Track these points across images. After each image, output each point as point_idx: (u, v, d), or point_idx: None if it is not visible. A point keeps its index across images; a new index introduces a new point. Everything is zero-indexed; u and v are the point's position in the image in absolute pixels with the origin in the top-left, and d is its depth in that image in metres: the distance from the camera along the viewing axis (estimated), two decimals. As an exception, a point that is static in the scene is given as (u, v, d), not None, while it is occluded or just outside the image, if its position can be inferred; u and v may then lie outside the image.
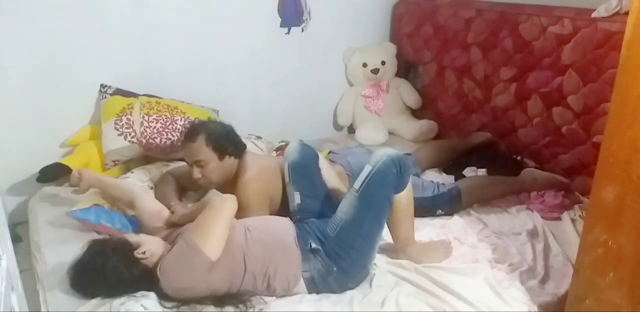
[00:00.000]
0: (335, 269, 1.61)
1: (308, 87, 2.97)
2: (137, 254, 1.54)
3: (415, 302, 1.57)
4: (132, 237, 1.61)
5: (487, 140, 2.66)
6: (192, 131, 1.92)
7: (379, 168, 1.64)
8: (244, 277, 1.57)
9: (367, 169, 1.66)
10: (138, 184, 2.08)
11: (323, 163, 2.01)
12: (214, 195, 1.68)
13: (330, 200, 1.88)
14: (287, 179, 1.91)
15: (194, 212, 1.67)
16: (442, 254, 1.81)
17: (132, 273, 1.52)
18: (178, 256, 1.52)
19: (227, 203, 1.61)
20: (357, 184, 1.66)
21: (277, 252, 1.62)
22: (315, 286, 1.62)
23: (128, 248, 1.55)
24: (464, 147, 2.64)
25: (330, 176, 2.01)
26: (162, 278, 1.52)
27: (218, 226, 1.54)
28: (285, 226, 1.73)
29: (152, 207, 1.82)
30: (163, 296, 1.54)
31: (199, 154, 1.88)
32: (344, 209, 1.67)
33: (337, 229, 1.65)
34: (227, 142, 1.93)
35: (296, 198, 1.86)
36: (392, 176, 1.64)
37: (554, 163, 2.40)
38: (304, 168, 1.92)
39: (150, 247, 1.56)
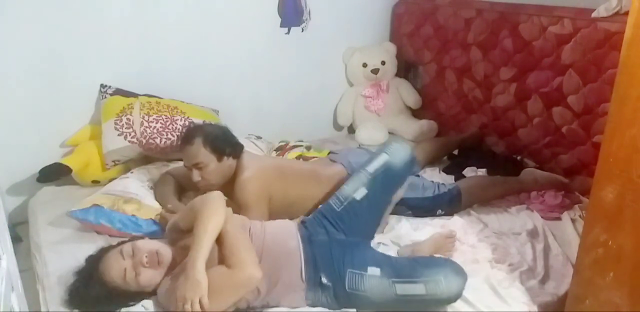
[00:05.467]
0: (341, 308, 1.57)
1: (308, 87, 2.97)
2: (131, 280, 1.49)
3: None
4: (142, 248, 1.53)
5: (472, 135, 2.72)
6: (189, 135, 1.92)
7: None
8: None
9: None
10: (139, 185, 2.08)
11: (406, 185, 1.89)
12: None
13: (373, 227, 1.82)
14: (370, 169, 1.78)
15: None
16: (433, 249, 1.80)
17: (122, 292, 1.51)
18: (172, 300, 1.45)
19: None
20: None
21: (283, 287, 1.54)
22: (315, 307, 1.58)
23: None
24: (455, 143, 2.69)
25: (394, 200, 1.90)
26: (159, 300, 1.51)
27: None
28: (293, 245, 1.62)
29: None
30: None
31: (198, 156, 1.88)
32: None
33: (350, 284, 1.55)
34: (224, 143, 1.93)
35: (359, 193, 1.74)
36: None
37: (554, 163, 2.40)
38: (394, 178, 1.82)
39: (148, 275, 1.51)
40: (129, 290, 1.50)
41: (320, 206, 1.84)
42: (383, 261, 1.62)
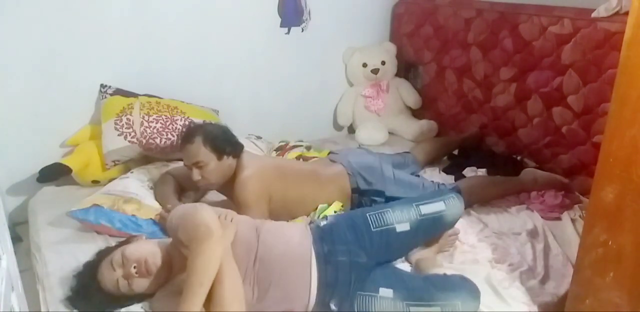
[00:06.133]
0: None
1: (308, 87, 2.97)
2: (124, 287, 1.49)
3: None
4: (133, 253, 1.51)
5: (472, 135, 2.72)
6: (189, 134, 1.92)
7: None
8: None
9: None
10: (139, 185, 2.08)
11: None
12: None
13: (388, 259, 1.72)
14: (423, 210, 1.71)
15: None
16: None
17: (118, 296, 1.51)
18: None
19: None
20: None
21: (285, 302, 1.50)
22: None
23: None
24: (455, 143, 2.69)
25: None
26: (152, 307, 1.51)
27: None
28: (304, 261, 1.52)
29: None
30: None
31: (198, 155, 1.88)
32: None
33: None
34: (224, 142, 1.93)
35: (401, 226, 1.66)
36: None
37: (554, 163, 2.40)
38: (437, 227, 1.77)
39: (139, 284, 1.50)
40: (126, 294, 1.51)
41: (348, 213, 1.77)
42: (395, 281, 1.55)
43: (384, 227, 1.65)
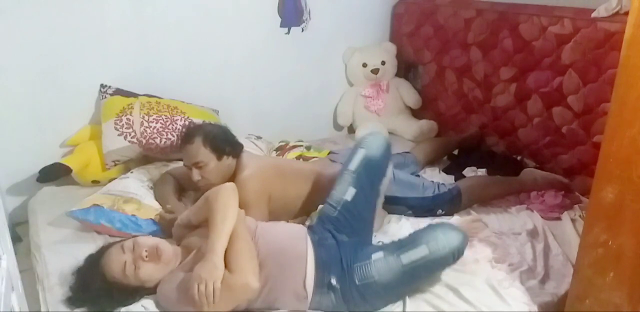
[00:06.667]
0: (346, 310, 1.56)
1: (308, 87, 2.96)
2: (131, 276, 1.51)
3: (415, 301, 1.58)
4: (146, 242, 1.57)
5: (472, 135, 2.72)
6: (189, 134, 1.93)
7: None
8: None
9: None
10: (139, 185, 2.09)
11: (389, 173, 1.85)
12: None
13: (370, 223, 1.80)
14: (351, 167, 1.77)
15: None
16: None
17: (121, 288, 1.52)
18: (175, 303, 1.47)
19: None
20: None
21: (282, 295, 1.54)
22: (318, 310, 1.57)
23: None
24: (455, 143, 2.69)
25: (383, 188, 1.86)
26: (158, 299, 1.52)
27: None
28: (301, 249, 1.60)
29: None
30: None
31: (198, 155, 1.88)
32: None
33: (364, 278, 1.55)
34: (224, 142, 1.94)
35: (349, 193, 1.73)
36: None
37: (554, 163, 2.40)
38: (376, 169, 1.80)
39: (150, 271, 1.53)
40: (129, 285, 1.51)
41: (318, 214, 1.83)
42: (384, 246, 1.66)
43: (339, 207, 1.72)
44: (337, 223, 1.71)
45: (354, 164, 1.77)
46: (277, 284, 1.53)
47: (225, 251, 1.48)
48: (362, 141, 1.84)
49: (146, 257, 1.51)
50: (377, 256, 1.58)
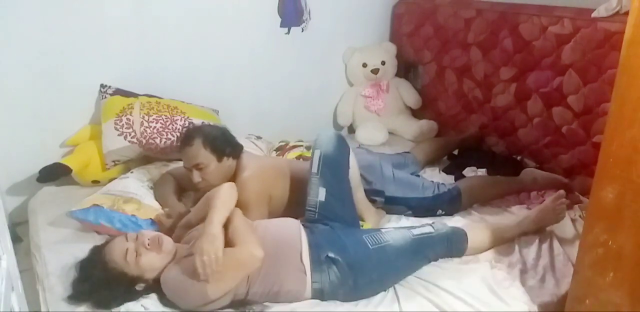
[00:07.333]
0: (351, 283, 1.58)
1: (308, 87, 2.96)
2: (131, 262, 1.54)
3: (415, 301, 1.58)
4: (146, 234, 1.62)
5: (472, 135, 2.72)
6: (189, 136, 1.93)
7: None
8: (247, 297, 1.56)
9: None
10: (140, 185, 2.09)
11: (353, 162, 1.94)
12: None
13: (354, 205, 1.87)
14: (314, 170, 1.81)
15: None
16: None
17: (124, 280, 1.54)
18: (181, 283, 1.50)
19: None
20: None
21: (283, 269, 1.58)
22: (322, 296, 1.59)
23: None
24: (455, 143, 2.70)
25: (354, 177, 1.94)
26: (163, 289, 1.54)
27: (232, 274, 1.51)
28: (294, 233, 1.68)
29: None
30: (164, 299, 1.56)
31: (198, 157, 1.88)
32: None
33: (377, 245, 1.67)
34: (224, 143, 1.94)
35: (321, 194, 1.78)
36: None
37: (554, 163, 2.40)
38: (336, 163, 1.84)
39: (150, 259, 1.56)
40: (128, 273, 1.53)
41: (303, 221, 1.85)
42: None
43: (317, 209, 1.78)
44: (321, 224, 1.77)
45: (315, 166, 1.82)
46: (274, 264, 1.57)
47: (226, 230, 1.55)
48: (315, 143, 1.87)
49: (148, 245, 1.56)
50: (387, 229, 1.77)
